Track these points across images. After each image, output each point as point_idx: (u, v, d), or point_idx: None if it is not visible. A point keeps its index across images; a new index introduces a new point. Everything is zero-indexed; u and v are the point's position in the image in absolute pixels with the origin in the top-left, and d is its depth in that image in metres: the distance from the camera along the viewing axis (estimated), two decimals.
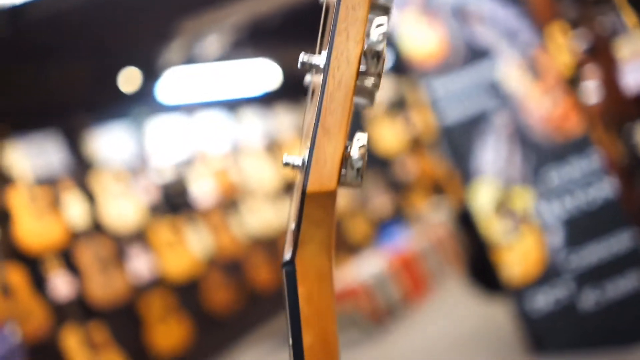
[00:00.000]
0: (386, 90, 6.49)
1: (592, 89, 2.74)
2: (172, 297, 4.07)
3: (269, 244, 4.98)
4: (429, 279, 4.11)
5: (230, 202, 4.83)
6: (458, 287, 3.83)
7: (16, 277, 3.30)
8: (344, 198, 5.82)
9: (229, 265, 4.58)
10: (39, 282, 3.50)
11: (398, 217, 5.73)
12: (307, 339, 0.43)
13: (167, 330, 3.95)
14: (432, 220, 4.78)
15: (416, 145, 6.53)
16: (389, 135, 6.26)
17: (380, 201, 5.99)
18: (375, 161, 6.27)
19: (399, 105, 6.56)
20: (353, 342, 3.53)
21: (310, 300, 0.44)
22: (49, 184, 3.71)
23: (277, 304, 4.74)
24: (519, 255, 2.38)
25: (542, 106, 2.35)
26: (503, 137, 2.37)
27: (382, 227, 5.23)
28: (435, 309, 3.64)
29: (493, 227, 2.41)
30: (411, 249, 4.16)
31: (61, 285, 3.51)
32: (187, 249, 4.26)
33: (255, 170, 5.12)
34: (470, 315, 3.16)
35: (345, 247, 5.49)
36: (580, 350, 2.29)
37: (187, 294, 4.25)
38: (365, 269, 3.84)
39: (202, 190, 4.58)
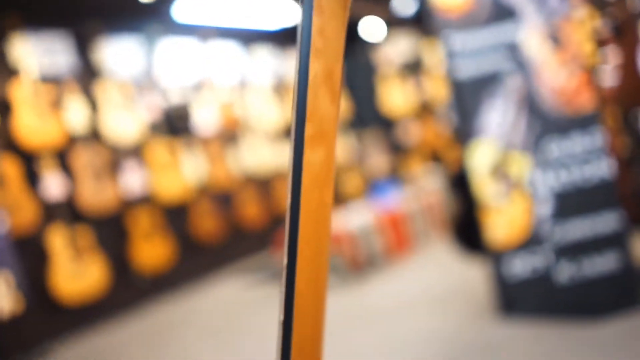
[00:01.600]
0: (403, 51, 6.42)
1: (609, 71, 2.73)
2: (159, 216, 4.12)
3: (262, 183, 5.02)
4: (413, 239, 4.17)
5: (230, 135, 4.83)
6: (439, 250, 3.90)
7: (10, 168, 3.32)
8: (343, 154, 5.84)
9: (220, 196, 4.63)
10: (32, 178, 3.53)
11: (393, 178, 5.76)
12: (314, 66, 0.44)
13: (151, 248, 4.02)
14: (425, 185, 4.81)
15: (422, 111, 6.51)
16: (398, 97, 6.23)
17: (378, 160, 6.01)
18: (380, 120, 6.26)
19: (412, 68, 6.50)
20: (330, 286, 3.61)
21: (322, 33, 0.44)
22: (53, 83, 3.70)
23: (261, 241, 4.81)
24: (505, 220, 2.42)
25: (556, 77, 2.34)
26: (512, 101, 2.37)
27: (376, 185, 5.27)
28: (414, 267, 3.71)
29: (485, 188, 2.44)
30: (400, 209, 4.21)
31: (53, 185, 3.54)
32: (180, 173, 4.29)
33: (259, 108, 5.11)
34: (447, 274, 3.24)
35: (337, 199, 5.54)
36: (547, 317, 2.36)
37: (174, 216, 4.30)
38: (353, 219, 3.89)
39: (205, 118, 4.58)
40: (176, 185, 4.22)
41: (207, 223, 4.44)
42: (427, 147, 6.37)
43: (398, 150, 6.31)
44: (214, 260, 4.59)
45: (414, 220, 4.27)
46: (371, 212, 4.06)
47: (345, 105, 6.01)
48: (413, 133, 6.33)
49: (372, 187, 5.39)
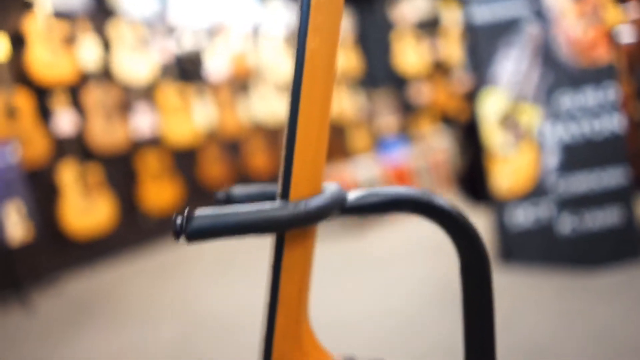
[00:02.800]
0: (420, 9, 6.32)
1: (627, 28, 2.69)
2: (168, 159, 4.16)
3: (271, 133, 5.04)
4: None
5: (241, 83, 4.82)
6: None
7: (23, 101, 3.35)
8: (352, 110, 5.82)
9: (228, 144, 4.66)
10: (44, 113, 3.56)
11: (401, 136, 5.76)
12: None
13: (159, 190, 4.08)
14: (433, 144, 4.81)
15: (435, 71, 6.45)
16: (412, 56, 6.16)
17: (387, 118, 6.00)
18: (392, 79, 6.21)
19: (428, 28, 6.41)
20: (334, 234, 3.67)
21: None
22: (66, 19, 3.69)
23: None
24: (511, 169, 2.44)
25: (574, 28, 2.32)
26: (527, 49, 2.36)
27: (384, 142, 5.27)
28: (417, 220, 3.76)
29: (494, 137, 2.45)
30: (407, 165, 4.22)
31: (64, 120, 3.57)
32: (190, 118, 4.31)
33: (271, 59, 5.08)
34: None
35: (346, 154, 5.56)
36: (547, 267, 2.40)
37: (183, 160, 4.34)
38: (360, 171, 3.92)
39: (216, 65, 4.56)
40: (185, 130, 4.24)
41: (214, 169, 4.49)
42: (438, 108, 6.34)
43: (408, 109, 6.29)
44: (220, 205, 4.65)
45: (420, 176, 4.29)
46: (378, 166, 4.08)
47: (357, 63, 5.97)
48: (424, 93, 6.29)
49: (380, 143, 5.40)
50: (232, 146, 4.70)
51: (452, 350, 1.81)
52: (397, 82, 6.23)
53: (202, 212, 0.39)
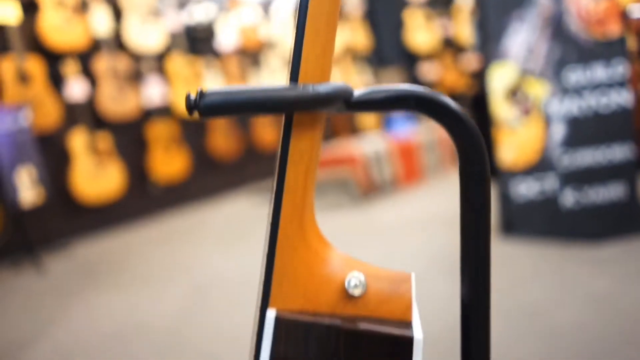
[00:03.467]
0: None
1: (638, 6, 2.68)
2: (177, 129, 4.20)
3: None
4: (424, 170, 4.23)
5: (251, 56, 4.84)
6: (449, 181, 3.97)
7: (35, 67, 3.38)
8: (359, 87, 5.81)
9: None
10: (55, 79, 3.59)
11: (409, 114, 5.77)
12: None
13: (168, 159, 4.13)
14: None
15: (445, 50, 6.42)
16: (422, 34, 6.14)
17: None
18: (401, 57, 6.20)
19: (440, 6, 6.36)
20: (340, 205, 3.71)
21: None
22: None
23: (273, 165, 4.90)
24: (517, 142, 2.46)
25: (586, 1, 2.32)
26: (538, 22, 2.36)
27: (392, 119, 5.29)
28: (422, 194, 3.79)
29: (501, 110, 2.47)
30: (413, 141, 4.25)
31: (76, 87, 3.61)
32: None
33: (282, 32, 5.08)
34: (454, 199, 3.31)
35: (353, 130, 5.58)
36: (549, 239, 2.44)
37: (192, 131, 4.38)
38: (367, 145, 3.95)
39: (227, 36, 4.57)
40: None
41: (223, 140, 4.53)
42: (446, 87, 6.33)
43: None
44: (228, 178, 4.70)
45: (427, 152, 4.31)
46: (386, 140, 4.10)
47: (365, 39, 5.95)
48: (434, 72, 6.28)
49: (388, 121, 5.41)
50: (240, 118, 4.73)
51: (451, 309, 1.86)
52: (406, 60, 6.21)
53: (215, 89, 0.42)
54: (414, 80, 6.26)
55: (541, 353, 1.56)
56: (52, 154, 3.56)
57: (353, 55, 5.83)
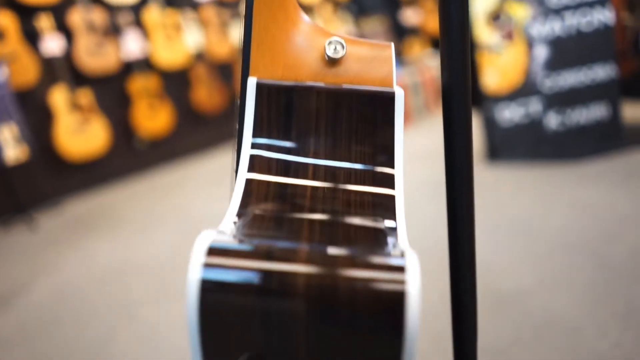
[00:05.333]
0: None
1: None
2: (159, 82, 4.14)
3: None
4: (409, 112, 4.23)
5: (230, 7, 4.74)
6: (435, 121, 3.98)
7: (7, 23, 3.29)
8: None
9: (221, 68, 4.62)
10: (30, 35, 3.51)
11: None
12: None
13: (151, 114, 4.08)
14: (425, 64, 4.80)
15: None
16: None
17: (380, 40, 5.94)
18: (384, 2, 6.11)
19: None
20: None
21: None
22: None
23: None
24: (500, 67, 2.46)
25: None
26: None
27: None
28: (409, 133, 3.80)
29: (483, 35, 2.46)
30: (399, 81, 4.23)
31: (51, 42, 3.53)
32: (181, 40, 4.26)
33: None
34: (438, 138, 3.32)
35: None
36: (532, 161, 2.46)
37: (175, 84, 4.32)
38: None
39: None
40: (175, 53, 4.20)
41: (207, 95, 4.48)
42: (428, 33, 6.27)
43: (400, 34, 6.21)
44: (213, 132, 4.67)
45: (411, 95, 4.30)
46: None
47: None
48: (416, 17, 6.20)
49: None
50: (225, 71, 4.66)
51: (436, 227, 1.89)
52: (387, 7, 6.12)
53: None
54: (397, 27, 6.18)
55: (523, 256, 1.60)
56: (33, 111, 3.50)
57: (333, 4, 5.73)
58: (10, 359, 1.52)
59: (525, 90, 2.45)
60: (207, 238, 0.36)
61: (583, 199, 1.93)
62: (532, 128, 2.47)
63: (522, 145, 2.49)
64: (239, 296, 0.34)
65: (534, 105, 2.45)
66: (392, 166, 0.43)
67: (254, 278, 0.34)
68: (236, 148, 0.45)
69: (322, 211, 0.41)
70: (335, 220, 0.40)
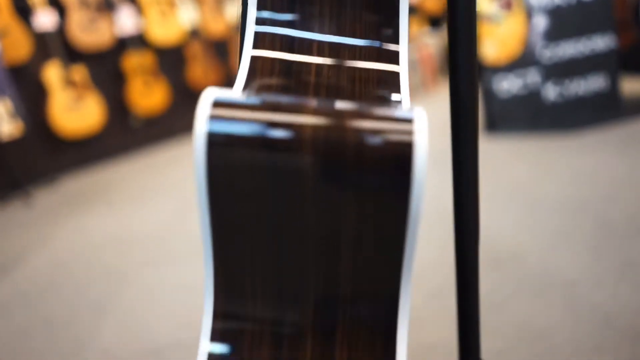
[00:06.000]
0: None
1: None
2: (154, 59, 4.10)
3: None
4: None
5: None
6: (434, 97, 3.97)
7: None
8: None
9: (216, 45, 4.58)
10: (22, 10, 3.46)
11: None
12: None
13: (146, 91, 4.05)
14: (423, 42, 4.77)
15: None
16: None
17: None
18: None
19: None
20: None
21: None
22: None
23: None
24: (499, 38, 2.45)
25: None
26: None
27: None
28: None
29: (482, 5, 2.44)
30: None
31: (44, 17, 3.48)
32: (175, 17, 4.21)
33: None
34: (441, 105, 3.32)
35: None
36: (531, 132, 2.46)
37: (169, 61, 4.28)
38: None
39: None
40: (170, 29, 4.16)
41: (202, 72, 4.44)
42: (426, 12, 6.23)
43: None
44: None
45: (409, 69, 4.28)
46: None
47: None
48: None
49: None
50: (220, 48, 4.62)
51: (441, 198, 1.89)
52: None
53: None
54: None
55: (521, 218, 1.60)
56: (26, 87, 3.47)
57: None
58: (13, 323, 1.51)
59: (523, 61, 2.44)
60: (213, 93, 0.35)
61: (581, 166, 1.93)
62: (530, 99, 2.46)
63: (520, 116, 2.49)
64: (246, 148, 0.33)
65: (533, 76, 2.44)
66: (397, 42, 0.43)
67: (261, 130, 0.33)
68: (240, 24, 0.44)
69: (327, 86, 0.40)
70: (341, 91, 0.40)
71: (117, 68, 3.96)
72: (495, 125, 2.53)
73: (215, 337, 0.38)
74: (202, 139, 0.33)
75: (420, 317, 1.18)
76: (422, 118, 0.34)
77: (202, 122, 0.34)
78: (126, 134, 4.07)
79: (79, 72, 3.60)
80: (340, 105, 0.35)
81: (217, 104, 0.34)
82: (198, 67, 4.42)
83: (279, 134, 0.33)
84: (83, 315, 1.49)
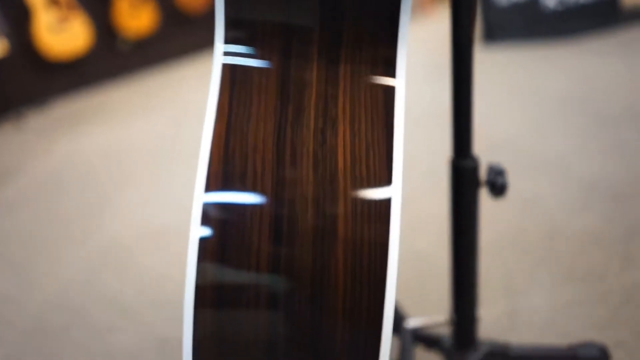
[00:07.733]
0: None
1: None
2: None
3: None
4: None
5: None
6: (431, 26, 3.89)
7: None
8: None
9: None
10: None
11: None
12: None
13: (133, 12, 3.92)
14: None
15: None
16: None
17: None
18: None
19: None
20: None
21: None
22: None
23: None
24: None
25: None
26: None
27: None
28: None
29: None
30: None
31: None
32: None
33: None
34: (436, 34, 3.27)
35: None
36: (529, 42, 2.44)
37: None
38: None
39: None
40: None
41: None
42: None
43: None
44: (200, 33, 4.52)
45: None
46: None
47: None
48: None
49: None
50: None
51: (440, 109, 1.89)
52: None
53: None
54: None
55: (519, 114, 1.62)
56: (10, 7, 3.35)
57: None
58: (16, 222, 1.53)
59: None
60: None
61: (580, 68, 1.93)
62: (529, 7, 2.42)
63: (519, 25, 2.45)
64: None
65: None
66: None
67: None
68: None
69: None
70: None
71: None
72: (494, 34, 2.49)
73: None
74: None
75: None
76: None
77: None
78: (115, 57, 3.98)
79: None
80: None
81: None
82: None
83: None
84: (89, 210, 1.51)
